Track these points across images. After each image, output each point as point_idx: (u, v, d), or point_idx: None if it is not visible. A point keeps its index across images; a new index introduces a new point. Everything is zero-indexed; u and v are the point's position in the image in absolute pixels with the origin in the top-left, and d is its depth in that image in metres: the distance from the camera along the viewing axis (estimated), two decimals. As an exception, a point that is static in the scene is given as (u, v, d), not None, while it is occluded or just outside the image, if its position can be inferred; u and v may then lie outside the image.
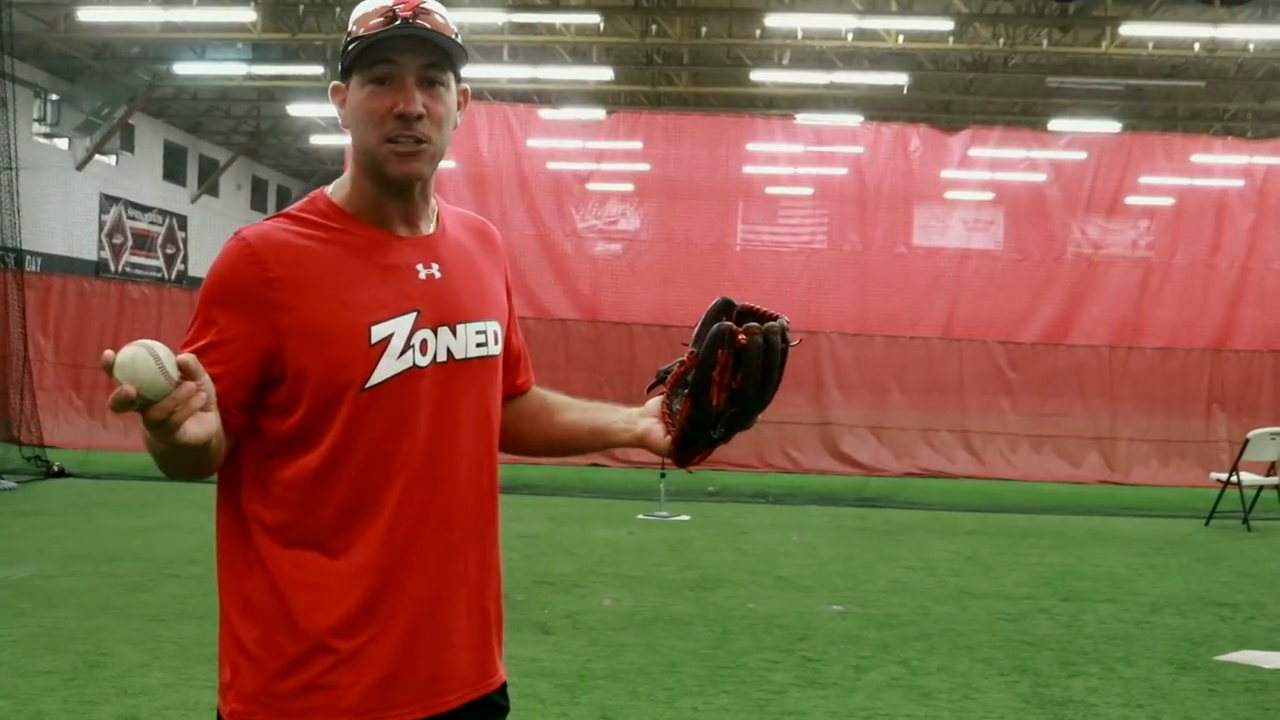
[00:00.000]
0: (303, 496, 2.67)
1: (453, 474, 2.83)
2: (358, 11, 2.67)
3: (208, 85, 37.86)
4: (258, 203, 49.87)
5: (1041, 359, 25.65)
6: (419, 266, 2.75)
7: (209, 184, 45.34)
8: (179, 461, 2.59)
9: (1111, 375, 25.45)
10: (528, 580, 11.66)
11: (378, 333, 2.65)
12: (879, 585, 12.22)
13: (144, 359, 2.38)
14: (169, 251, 43.50)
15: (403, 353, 2.68)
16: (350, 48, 2.65)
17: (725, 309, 2.84)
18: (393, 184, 2.71)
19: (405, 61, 2.63)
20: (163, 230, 43.06)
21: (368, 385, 2.65)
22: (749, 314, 2.86)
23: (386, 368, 2.67)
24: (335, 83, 2.74)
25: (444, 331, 2.76)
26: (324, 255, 2.65)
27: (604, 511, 17.60)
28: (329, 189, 2.80)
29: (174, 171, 43.70)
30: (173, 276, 43.00)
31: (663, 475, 17.99)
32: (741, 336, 2.75)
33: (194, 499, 17.27)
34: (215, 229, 45.72)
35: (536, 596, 10.95)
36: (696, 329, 2.84)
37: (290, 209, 2.74)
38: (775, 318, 2.87)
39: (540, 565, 12.62)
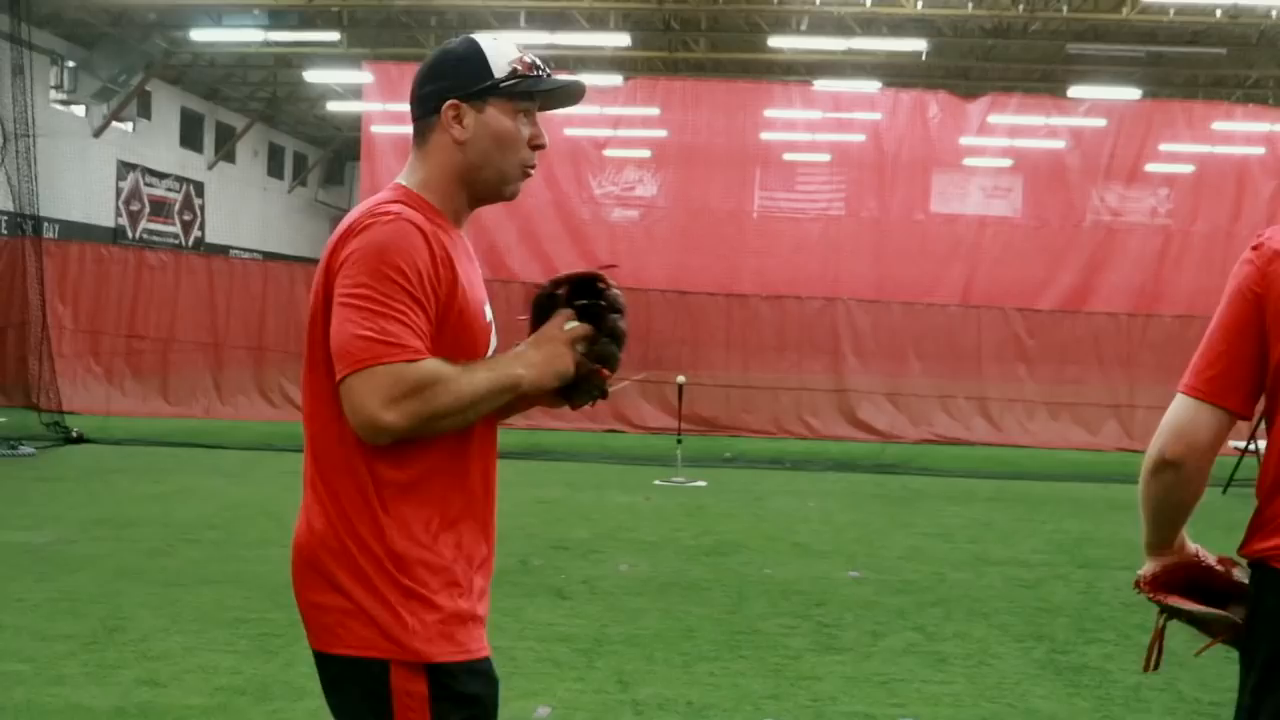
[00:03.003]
0: (430, 459, 2.89)
1: (494, 437, 3.11)
2: (504, 44, 3.02)
3: (224, 52, 37.79)
4: (274, 169, 49.89)
5: (1059, 326, 25.60)
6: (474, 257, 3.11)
7: (226, 150, 45.31)
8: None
9: (1130, 343, 25.38)
10: (544, 545, 11.69)
11: (489, 312, 3.06)
12: (895, 551, 12.23)
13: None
14: (186, 218, 43.51)
15: (494, 329, 3.09)
16: (513, 82, 2.98)
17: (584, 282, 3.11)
18: (499, 199, 3.11)
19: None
20: (180, 197, 43.07)
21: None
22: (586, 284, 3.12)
23: (493, 342, 3.08)
24: (454, 100, 2.97)
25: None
26: (451, 244, 2.93)
27: (621, 477, 17.62)
28: (411, 187, 3.01)
29: (191, 138, 43.69)
30: (190, 243, 43.01)
31: (679, 441, 18.01)
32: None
33: (213, 465, 17.38)
34: (232, 196, 45.76)
35: (553, 562, 10.98)
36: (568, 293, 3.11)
37: (401, 199, 2.94)
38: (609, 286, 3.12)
39: (557, 530, 12.65)
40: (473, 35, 3.04)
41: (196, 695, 6.85)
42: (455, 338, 2.87)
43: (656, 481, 17.13)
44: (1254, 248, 2.96)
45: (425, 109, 3.00)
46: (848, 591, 10.19)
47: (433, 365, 2.75)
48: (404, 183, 3.01)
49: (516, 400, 2.98)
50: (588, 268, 3.12)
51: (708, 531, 13.07)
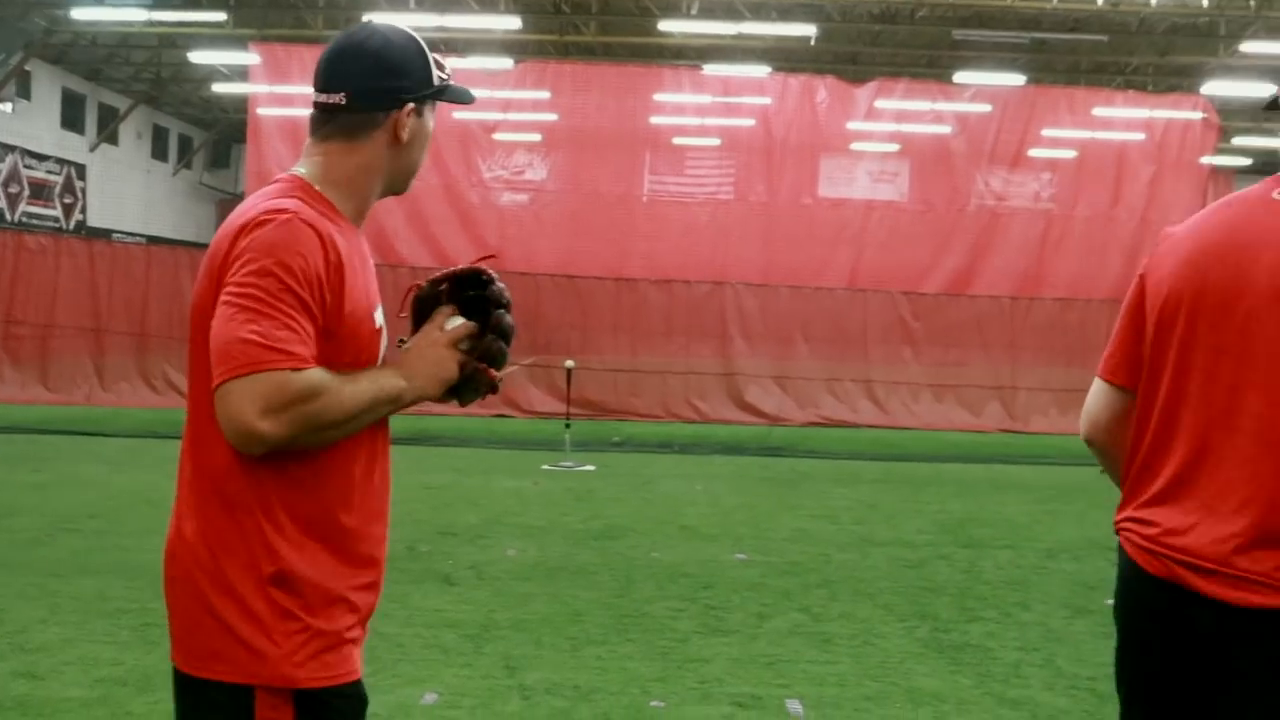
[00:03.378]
0: (317, 466, 2.76)
1: (386, 442, 3.01)
2: (425, 49, 2.92)
3: (107, 31, 37.00)
4: (159, 152, 49.00)
5: (944, 310, 25.93)
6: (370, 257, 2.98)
7: (108, 132, 44.44)
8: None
9: (1012, 326, 25.78)
10: (432, 531, 11.63)
11: (379, 318, 2.90)
12: (782, 534, 12.31)
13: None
14: (67, 201, 42.63)
15: (384, 334, 2.93)
16: (447, 89, 2.96)
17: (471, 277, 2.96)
18: (399, 193, 3.05)
19: None
20: (60, 179, 42.19)
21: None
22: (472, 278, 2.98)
23: (383, 345, 2.92)
24: (413, 103, 2.89)
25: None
26: (346, 246, 2.78)
27: (509, 462, 17.59)
28: (310, 181, 2.86)
29: (72, 119, 42.79)
30: (71, 226, 42.15)
31: (568, 425, 18.01)
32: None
33: (94, 453, 17.09)
34: (115, 178, 44.87)
35: (440, 548, 10.93)
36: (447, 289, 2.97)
37: (298, 195, 2.79)
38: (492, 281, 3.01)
39: (444, 516, 12.59)
40: (405, 28, 2.93)
41: (76, 687, 6.73)
42: (342, 345, 2.72)
43: (545, 466, 17.11)
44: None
45: (373, 103, 2.86)
46: (735, 574, 10.24)
47: (317, 375, 2.60)
48: (304, 175, 2.86)
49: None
50: (469, 263, 3.00)
51: (596, 516, 13.08)
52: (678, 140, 29.84)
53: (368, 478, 2.84)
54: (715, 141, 29.79)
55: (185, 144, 51.11)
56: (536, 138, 29.82)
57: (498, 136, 29.56)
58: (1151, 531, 2.86)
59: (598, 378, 23.87)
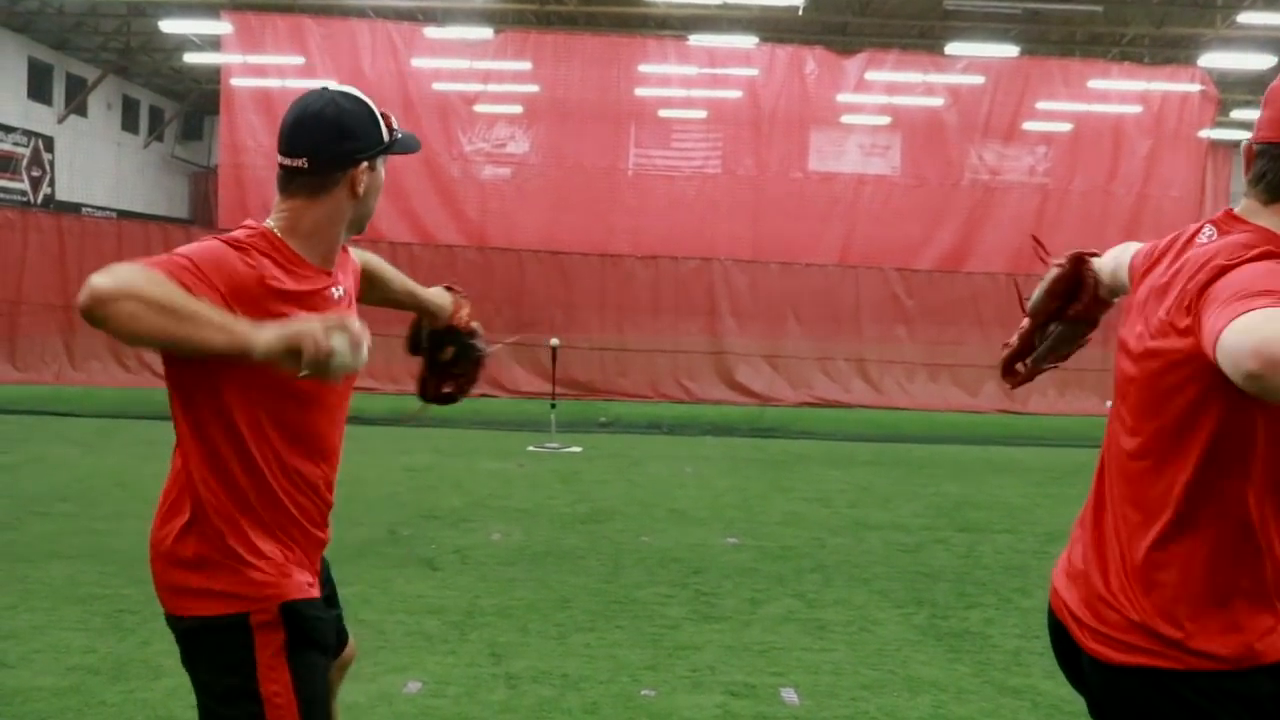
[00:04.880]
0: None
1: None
2: (375, 110, 3.47)
3: (74, -1, 36.89)
4: (129, 123, 48.73)
5: (938, 287, 25.86)
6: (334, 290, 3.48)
7: (77, 103, 44.19)
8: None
9: (1008, 303, 25.70)
10: (414, 515, 11.58)
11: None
12: (774, 517, 12.28)
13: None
14: (34, 174, 42.41)
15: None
16: (395, 142, 3.52)
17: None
18: (358, 234, 3.55)
19: None
20: (28, 152, 41.95)
21: None
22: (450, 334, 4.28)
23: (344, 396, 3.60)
24: (367, 161, 3.43)
25: None
26: (297, 286, 3.33)
27: (493, 443, 17.53)
28: (276, 233, 3.37)
29: (39, 90, 42.53)
30: (39, 201, 41.96)
31: (553, 406, 17.95)
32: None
33: (64, 434, 16.98)
34: (84, 151, 44.63)
35: (423, 532, 10.88)
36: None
37: (255, 237, 3.34)
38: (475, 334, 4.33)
39: (426, 500, 12.53)
40: (356, 93, 3.46)
41: (47, 675, 6.67)
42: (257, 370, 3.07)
43: (530, 448, 17.06)
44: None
45: (331, 165, 3.36)
46: (726, 559, 10.21)
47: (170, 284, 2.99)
48: (271, 227, 3.36)
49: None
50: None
51: (583, 499, 13.03)
52: (663, 113, 29.78)
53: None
54: (702, 114, 29.73)
55: (156, 116, 50.85)
56: (518, 110, 29.73)
57: (478, 109, 29.46)
58: None
59: (583, 356, 23.80)
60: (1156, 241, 3.09)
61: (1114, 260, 3.43)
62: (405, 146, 3.57)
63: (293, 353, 2.95)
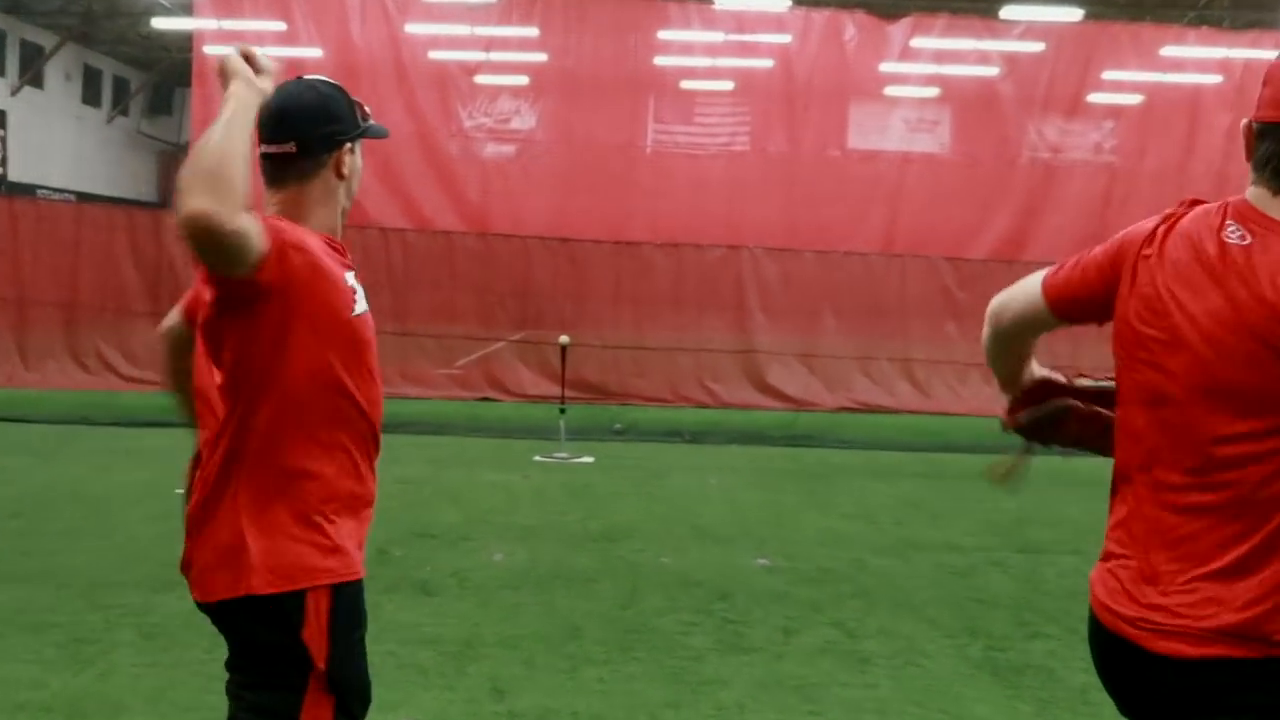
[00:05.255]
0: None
1: None
2: (349, 95, 3.97)
3: (29, -42, 37.08)
4: (90, 96, 48.88)
5: (993, 277, 25.62)
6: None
7: (32, 73, 44.36)
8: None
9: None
10: (407, 533, 11.55)
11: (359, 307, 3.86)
12: (810, 536, 12.25)
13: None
14: (-14, 152, 42.67)
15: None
16: (369, 126, 4.01)
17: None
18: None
19: None
20: (-22, 128, 42.23)
21: None
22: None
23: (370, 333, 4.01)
24: (348, 143, 3.93)
25: None
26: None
27: (495, 453, 17.53)
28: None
29: (-10, 60, 42.82)
30: (-9, 181, 42.20)
31: (562, 411, 17.93)
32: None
33: (16, 441, 16.97)
34: (40, 126, 44.75)
35: (416, 552, 10.86)
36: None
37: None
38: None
39: (421, 516, 12.52)
40: (330, 80, 3.95)
41: (-7, 714, 6.66)
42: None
43: (536, 457, 17.06)
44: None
45: (320, 147, 3.83)
46: (756, 582, 10.17)
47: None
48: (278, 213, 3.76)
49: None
50: None
51: (595, 515, 13.02)
52: (685, 84, 29.77)
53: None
54: (728, 85, 29.72)
55: (121, 87, 51.02)
56: (524, 81, 29.75)
57: (480, 80, 29.48)
58: None
59: (596, 356, 23.78)
60: (1141, 227, 3.22)
61: (1023, 299, 3.67)
62: (376, 132, 4.06)
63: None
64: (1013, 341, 3.75)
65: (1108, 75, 29.32)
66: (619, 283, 25.06)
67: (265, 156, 3.82)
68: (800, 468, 17.07)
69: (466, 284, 24.13)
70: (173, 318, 4.95)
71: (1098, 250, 3.31)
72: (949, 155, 29.56)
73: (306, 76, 3.94)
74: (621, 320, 24.80)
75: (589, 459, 17.09)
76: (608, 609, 9.18)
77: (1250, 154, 3.03)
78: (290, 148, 3.79)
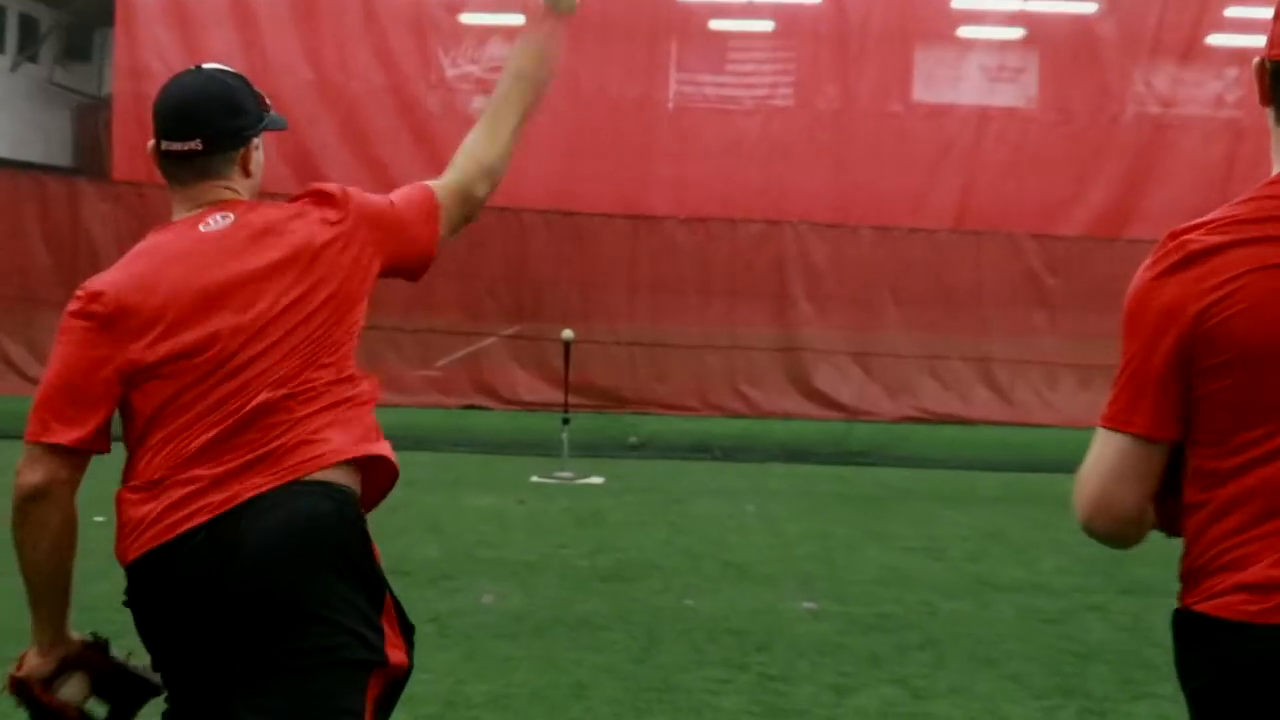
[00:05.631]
0: None
1: None
2: (251, 84, 4.40)
3: None
4: (-11, 39, 49.13)
5: (1091, 260, 25.79)
6: None
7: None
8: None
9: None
10: (376, 569, 11.57)
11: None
12: (866, 574, 12.28)
13: None
14: None
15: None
16: (268, 119, 4.42)
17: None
18: None
19: None
20: None
21: None
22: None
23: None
24: (257, 140, 4.39)
25: None
26: None
27: (484, 471, 17.61)
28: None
29: None
30: None
31: (565, 421, 17.95)
32: None
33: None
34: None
35: (389, 592, 10.87)
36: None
37: None
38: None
39: (393, 549, 12.42)
40: (232, 70, 4.41)
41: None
42: None
43: (534, 478, 17.12)
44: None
45: (228, 144, 4.26)
46: (801, 630, 10.19)
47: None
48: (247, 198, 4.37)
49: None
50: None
51: (605, 548, 13.06)
52: (715, 24, 29.77)
53: None
54: (768, 25, 29.71)
55: (29, 28, 51.13)
56: (518, 20, 29.70)
57: (465, 18, 29.48)
58: None
59: (607, 354, 23.84)
60: (1161, 286, 3.29)
61: (1124, 467, 3.52)
62: (275, 123, 4.47)
63: None
64: (1145, 515, 3.56)
65: (1231, 12, 29.27)
66: (635, 266, 25.12)
67: (167, 155, 4.22)
68: (854, 491, 17.11)
69: (448, 266, 24.12)
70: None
71: (1133, 349, 3.37)
72: (1036, 110, 29.50)
73: (206, 66, 4.38)
74: (638, 311, 24.87)
75: (597, 480, 17.14)
76: (620, 663, 9.20)
77: (1266, 97, 3.29)
78: (196, 145, 4.18)
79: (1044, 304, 25.38)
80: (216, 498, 3.96)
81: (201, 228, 4.20)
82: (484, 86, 28.72)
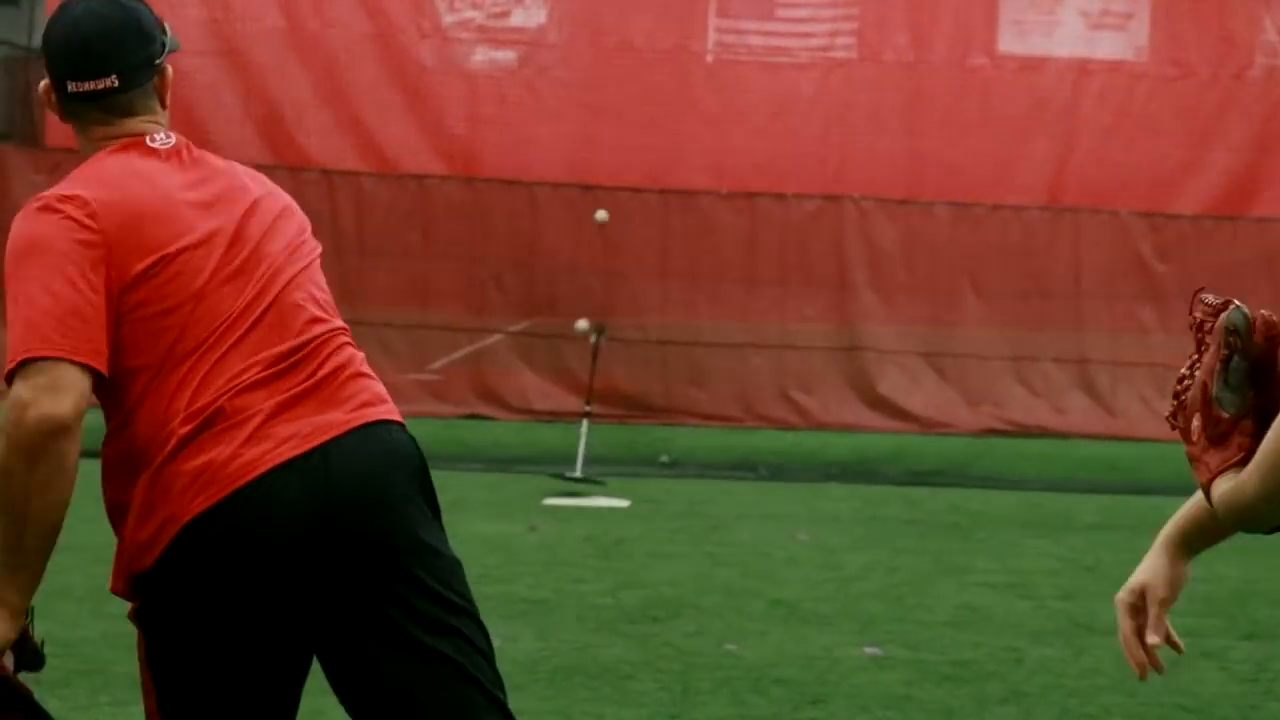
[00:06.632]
0: None
1: None
2: (144, 4, 4.47)
3: None
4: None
5: (1209, 241, 25.78)
6: None
7: None
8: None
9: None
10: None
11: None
12: (940, 615, 12.32)
13: None
14: None
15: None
16: (172, 39, 4.50)
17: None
18: None
19: None
20: None
21: None
22: None
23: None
24: (169, 66, 4.51)
25: None
26: None
27: (488, 492, 17.65)
28: None
29: None
30: None
31: (585, 433, 17.99)
32: None
33: None
34: None
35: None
36: None
37: None
38: None
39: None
40: None
41: None
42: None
43: (548, 500, 17.17)
44: None
45: (144, 75, 4.35)
46: (863, 679, 10.25)
47: None
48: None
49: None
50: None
51: (632, 582, 13.10)
52: (763, -38, 29.83)
53: None
54: (827, -37, 29.77)
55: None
56: (529, -42, 29.87)
57: (466, -44, 29.58)
58: None
59: (634, 354, 23.88)
60: None
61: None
62: (173, 45, 4.50)
63: None
64: None
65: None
66: (667, 249, 25.16)
67: (75, 96, 4.28)
68: (926, 516, 17.14)
69: (447, 251, 24.24)
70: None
71: None
72: (1147, 63, 29.45)
73: None
74: (670, 303, 24.91)
75: (623, 502, 17.19)
76: (650, 715, 9.27)
77: None
78: (111, 82, 4.25)
79: (1153, 295, 25.38)
80: (288, 429, 4.09)
81: (149, 142, 4.30)
82: (490, 38, 28.77)
